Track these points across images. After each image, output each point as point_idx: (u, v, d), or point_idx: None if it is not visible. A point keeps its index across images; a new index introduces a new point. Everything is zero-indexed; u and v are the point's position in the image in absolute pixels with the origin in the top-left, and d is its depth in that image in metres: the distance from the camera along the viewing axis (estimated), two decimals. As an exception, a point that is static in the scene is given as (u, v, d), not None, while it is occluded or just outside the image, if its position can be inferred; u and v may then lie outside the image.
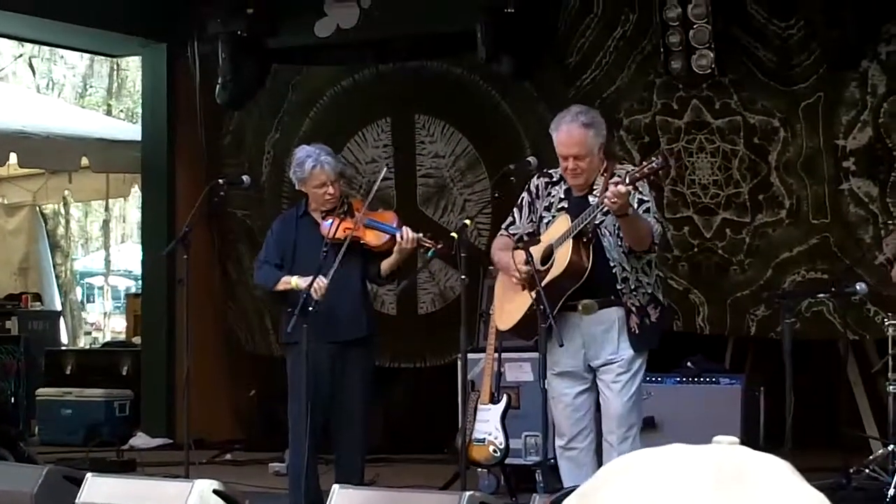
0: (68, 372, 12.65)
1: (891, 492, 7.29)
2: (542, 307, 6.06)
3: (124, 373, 12.46)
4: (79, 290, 26.59)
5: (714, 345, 9.61)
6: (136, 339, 13.14)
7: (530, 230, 6.55)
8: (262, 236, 7.89)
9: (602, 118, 6.55)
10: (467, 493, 5.37)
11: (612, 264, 6.31)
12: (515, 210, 6.65)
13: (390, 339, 10.28)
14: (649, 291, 6.39)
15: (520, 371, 8.41)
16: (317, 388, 7.07)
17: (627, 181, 5.97)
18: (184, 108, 11.79)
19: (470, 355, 7.90)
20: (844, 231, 9.05)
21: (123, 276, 27.39)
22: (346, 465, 7.30)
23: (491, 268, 7.60)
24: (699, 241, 9.54)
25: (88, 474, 6.29)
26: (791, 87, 9.11)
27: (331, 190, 7.24)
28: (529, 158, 6.82)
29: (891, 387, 7.81)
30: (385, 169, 9.09)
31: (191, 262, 7.86)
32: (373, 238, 7.21)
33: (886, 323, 7.94)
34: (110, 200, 17.74)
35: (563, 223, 6.34)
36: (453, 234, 6.54)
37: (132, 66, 22.62)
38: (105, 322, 24.19)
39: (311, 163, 7.21)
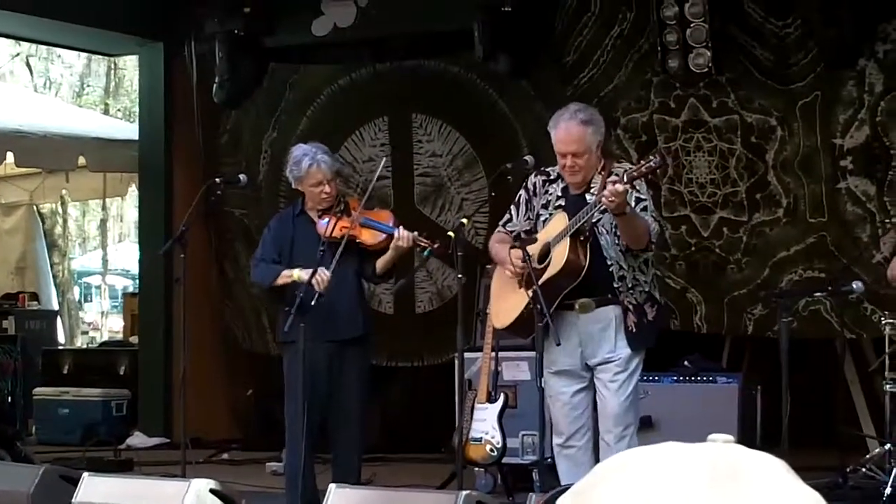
0: (65, 371, 12.64)
1: (887, 490, 7.29)
2: (538, 306, 6.06)
3: (121, 372, 12.45)
4: (76, 290, 26.60)
5: (711, 344, 9.61)
6: (134, 339, 13.14)
7: (527, 228, 6.55)
8: (259, 235, 7.89)
9: (600, 116, 6.56)
10: (464, 493, 5.37)
11: (609, 263, 6.30)
12: (513, 207, 6.65)
13: (388, 338, 10.28)
14: (646, 290, 6.39)
15: (517, 370, 8.41)
16: (313, 387, 7.07)
17: (625, 180, 5.97)
18: (181, 108, 11.78)
19: (467, 354, 7.90)
20: (842, 230, 9.05)
21: (121, 276, 27.39)
22: (343, 465, 7.30)
23: (488, 266, 7.60)
24: (696, 240, 9.54)
25: (85, 474, 6.28)
26: (788, 85, 9.11)
27: (327, 189, 7.23)
28: (526, 157, 6.81)
29: (888, 385, 7.81)
30: (384, 159, 9.06)
31: (188, 261, 7.86)
32: (369, 237, 7.21)
33: (883, 322, 7.94)
34: (107, 200, 17.74)
35: (560, 221, 6.33)
36: (450, 233, 6.54)
37: (129, 66, 22.63)
38: (102, 321, 24.23)
39: (307, 161, 7.21)
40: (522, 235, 6.51)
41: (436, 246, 6.98)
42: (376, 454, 9.47)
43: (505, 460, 8.07)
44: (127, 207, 25.23)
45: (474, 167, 10.67)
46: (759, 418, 8.63)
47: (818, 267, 9.12)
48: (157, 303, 11.81)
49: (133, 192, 14.76)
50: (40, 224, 17.01)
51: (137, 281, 14.34)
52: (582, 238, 6.24)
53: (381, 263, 7.24)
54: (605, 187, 6.03)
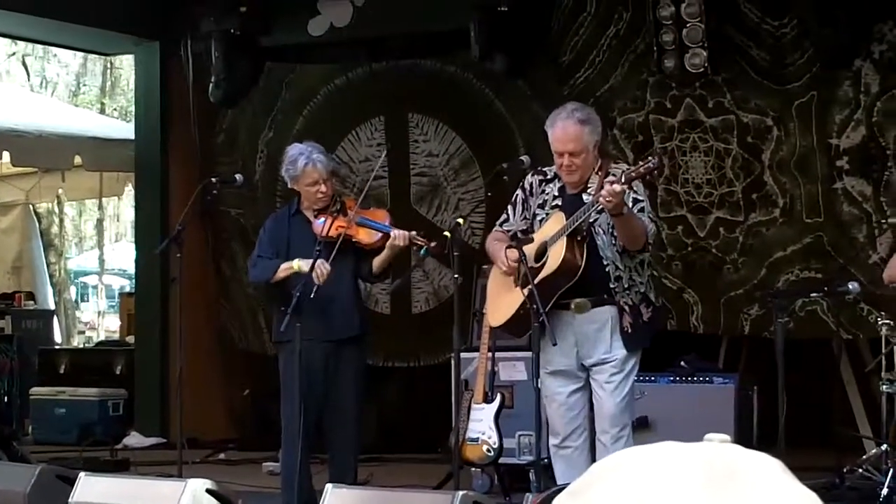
0: (62, 371, 12.64)
1: (884, 491, 7.29)
2: (534, 306, 6.06)
3: (118, 372, 12.44)
4: (73, 289, 26.58)
5: (708, 344, 9.61)
6: (130, 339, 13.13)
7: (524, 227, 6.55)
8: (255, 235, 7.89)
9: (597, 115, 6.57)
10: (460, 493, 5.37)
11: (605, 263, 6.31)
12: (509, 207, 6.65)
13: (384, 338, 10.29)
14: (642, 291, 6.39)
15: (513, 370, 8.40)
16: (310, 387, 7.07)
17: (623, 180, 5.98)
18: (177, 107, 11.78)
19: (464, 354, 7.91)
20: (838, 230, 9.05)
21: (117, 275, 27.37)
22: (339, 465, 7.30)
23: (484, 266, 7.60)
24: (693, 241, 9.54)
25: (81, 473, 6.28)
26: (784, 85, 9.11)
27: (323, 188, 7.23)
28: (522, 157, 6.82)
29: (884, 386, 7.80)
30: (382, 157, 9.04)
31: (184, 261, 7.86)
32: (365, 236, 7.21)
33: (880, 322, 7.93)
34: (104, 199, 17.75)
35: (557, 221, 6.34)
36: (446, 233, 6.55)
37: (126, 65, 22.62)
38: (99, 321, 24.22)
39: (303, 161, 7.21)
40: (519, 235, 6.51)
41: (432, 245, 6.97)
42: (373, 454, 9.47)
43: (501, 460, 8.07)
44: (123, 207, 25.22)
45: (471, 167, 10.67)
46: (756, 418, 8.63)
47: (815, 267, 9.12)
48: (153, 302, 11.81)
49: (129, 191, 14.76)
50: (36, 223, 17.00)
51: (134, 280, 14.33)
52: (579, 238, 6.24)
53: (377, 263, 7.24)
54: (602, 187, 6.04)
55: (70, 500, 6.08)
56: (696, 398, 8.40)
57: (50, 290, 17.10)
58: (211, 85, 10.81)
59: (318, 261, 6.96)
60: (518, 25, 9.60)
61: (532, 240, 6.39)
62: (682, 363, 8.69)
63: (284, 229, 7.40)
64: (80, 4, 11.25)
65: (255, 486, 8.39)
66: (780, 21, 9.04)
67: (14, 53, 24.93)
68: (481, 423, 7.99)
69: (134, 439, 11.47)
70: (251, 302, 11.42)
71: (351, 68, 11.20)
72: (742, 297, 9.37)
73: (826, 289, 8.34)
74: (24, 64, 25.52)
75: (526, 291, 6.17)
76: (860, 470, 7.79)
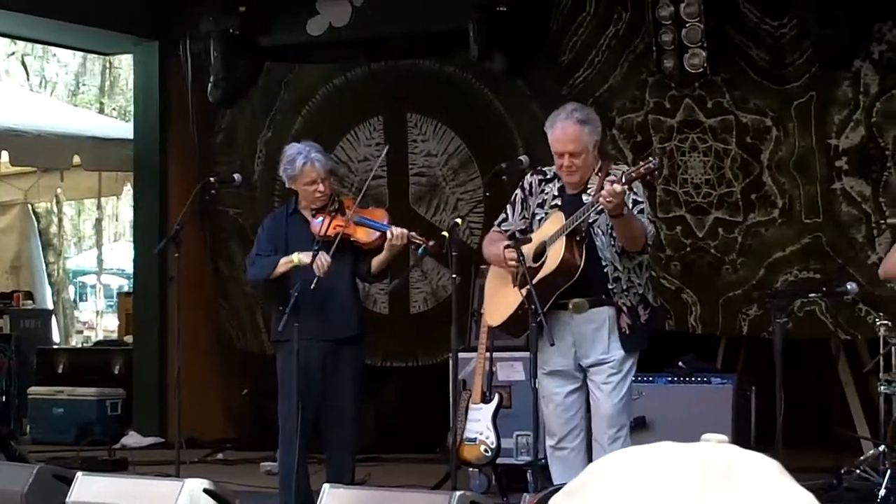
0: (60, 371, 12.63)
1: (881, 492, 7.29)
2: (532, 306, 6.06)
3: (116, 372, 12.43)
4: (71, 289, 26.56)
5: (706, 344, 9.61)
6: (129, 338, 13.13)
7: (522, 227, 6.54)
8: (253, 234, 7.88)
9: (597, 115, 6.56)
10: (458, 493, 5.36)
11: (604, 263, 6.30)
12: (508, 207, 6.65)
13: (382, 337, 10.28)
14: (640, 292, 6.39)
15: (511, 370, 8.40)
16: (307, 386, 7.07)
17: (623, 181, 5.97)
18: (176, 107, 11.77)
19: (462, 354, 7.91)
20: (837, 230, 9.05)
21: (116, 275, 27.36)
22: (336, 465, 7.30)
23: (483, 266, 7.59)
24: (691, 241, 9.53)
25: (79, 473, 6.27)
26: (783, 86, 9.11)
27: (321, 187, 7.23)
28: (521, 157, 6.82)
29: (882, 387, 7.81)
30: (382, 156, 9.02)
31: (182, 261, 7.86)
32: (363, 235, 7.20)
33: (878, 323, 7.94)
34: (103, 199, 17.73)
35: (556, 221, 6.33)
36: (445, 233, 6.54)
37: (125, 65, 22.61)
38: (98, 321, 24.21)
39: (301, 160, 7.20)
40: (517, 235, 6.51)
41: (430, 244, 6.96)
42: (371, 454, 9.48)
43: (499, 461, 8.06)
44: (122, 207, 25.22)
45: (469, 167, 10.67)
46: (754, 419, 8.63)
47: (813, 267, 9.12)
48: (151, 302, 11.80)
49: (128, 191, 14.76)
50: (35, 223, 16.99)
51: (132, 280, 14.32)
52: (578, 238, 6.24)
53: (375, 263, 7.24)
54: (602, 188, 6.03)
55: (67, 499, 6.07)
56: (693, 398, 8.40)
57: (48, 290, 17.09)
58: (210, 85, 10.80)
59: (320, 252, 6.96)
60: (517, 25, 9.59)
61: (530, 240, 6.39)
62: (680, 363, 8.69)
63: (282, 228, 7.39)
64: (80, 4, 11.24)
65: (253, 485, 8.38)
66: (780, 21, 9.04)
67: (13, 53, 24.92)
68: (479, 424, 7.98)
69: (132, 439, 11.46)
70: (249, 301, 11.42)
71: (350, 68, 11.20)
72: (741, 298, 9.37)
73: (824, 289, 8.35)
74: (23, 63, 25.51)
75: (524, 291, 6.16)
76: (858, 471, 7.79)
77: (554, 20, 9.86)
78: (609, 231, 6.28)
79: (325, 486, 5.68)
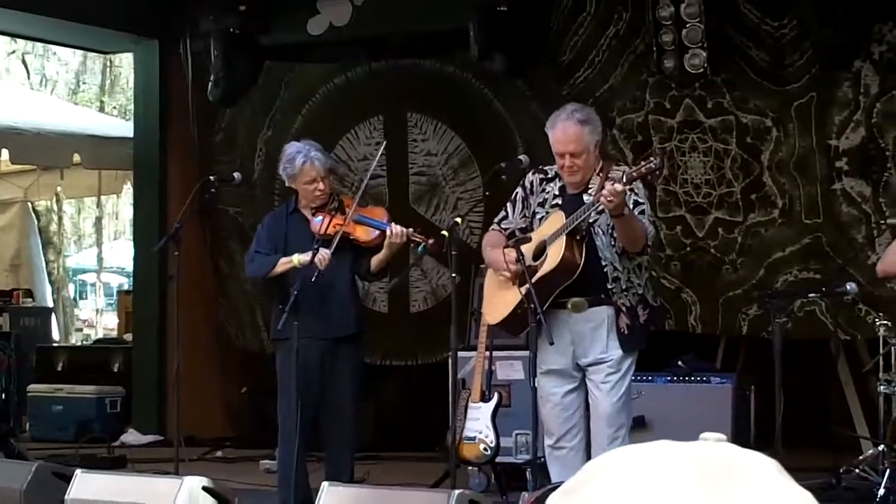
0: (59, 368, 12.64)
1: (880, 491, 7.29)
2: (532, 306, 6.06)
3: (116, 369, 12.43)
4: (71, 287, 26.55)
5: (706, 344, 9.61)
6: (128, 336, 13.13)
7: (523, 225, 6.55)
8: (253, 233, 7.88)
9: (597, 116, 6.57)
10: (457, 492, 5.36)
11: (603, 263, 6.31)
12: (509, 205, 6.65)
13: (382, 336, 10.29)
14: (640, 293, 6.39)
15: (511, 369, 8.40)
16: (306, 384, 7.07)
17: (624, 180, 5.98)
18: (176, 105, 11.77)
19: (461, 353, 7.91)
20: (837, 231, 9.05)
21: (116, 273, 27.35)
22: (335, 463, 7.30)
23: (482, 266, 7.60)
24: (691, 241, 9.53)
25: (77, 471, 6.26)
26: (784, 86, 9.11)
27: (321, 186, 7.23)
28: (521, 157, 6.82)
29: (881, 387, 7.81)
30: (380, 154, 9.02)
31: (182, 259, 7.87)
32: (362, 233, 7.21)
33: (878, 323, 7.94)
34: (103, 197, 17.72)
35: (556, 219, 6.34)
36: (444, 233, 6.54)
37: (125, 63, 22.61)
38: (97, 319, 24.18)
39: (301, 159, 7.21)
40: (517, 233, 6.51)
41: (430, 242, 6.96)
42: (370, 452, 9.48)
43: (498, 459, 8.07)
44: (122, 205, 25.20)
45: (469, 166, 10.67)
46: (753, 418, 8.63)
47: (813, 268, 9.12)
48: (151, 300, 11.81)
49: (128, 189, 14.75)
50: (35, 221, 16.98)
51: (132, 278, 14.31)
52: (578, 237, 6.24)
53: (375, 261, 7.24)
54: (603, 187, 6.03)
55: (66, 497, 6.07)
56: (693, 398, 8.40)
57: (48, 288, 17.08)
58: (210, 83, 10.80)
59: (320, 249, 6.96)
60: (517, 25, 9.59)
61: (529, 239, 6.40)
62: (680, 363, 8.69)
63: (282, 227, 7.39)
64: (80, 3, 11.24)
65: (252, 483, 8.39)
66: (780, 22, 9.04)
67: (14, 51, 24.90)
68: (478, 422, 7.99)
69: (131, 437, 11.46)
70: (249, 300, 11.42)
71: (350, 67, 11.19)
72: (740, 298, 9.37)
73: (824, 289, 8.35)
74: (23, 62, 25.50)
75: (524, 290, 6.17)
76: (857, 470, 7.80)
77: (554, 20, 9.86)
78: (609, 231, 6.28)
79: (324, 484, 5.67)
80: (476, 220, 9.96)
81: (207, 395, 11.45)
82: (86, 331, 23.92)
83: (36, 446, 10.58)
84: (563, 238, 6.23)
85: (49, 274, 18.73)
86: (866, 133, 8.91)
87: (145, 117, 12.18)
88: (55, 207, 22.01)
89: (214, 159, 11.61)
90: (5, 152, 12.71)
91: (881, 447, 7.72)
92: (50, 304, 16.48)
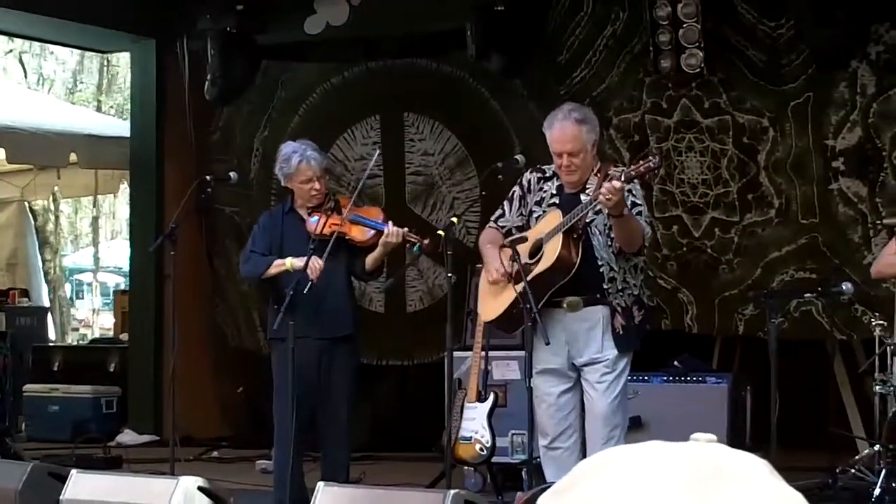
0: (56, 368, 12.64)
1: (876, 491, 7.28)
2: (527, 306, 6.06)
3: (112, 369, 12.42)
4: (68, 287, 26.54)
5: (702, 344, 9.61)
6: (125, 336, 13.11)
7: (519, 224, 6.55)
8: (249, 233, 7.88)
9: (594, 115, 6.57)
10: (452, 492, 5.35)
11: (599, 263, 6.31)
12: (506, 203, 6.65)
13: (378, 336, 10.28)
14: (635, 293, 6.40)
15: (507, 369, 8.40)
16: (302, 384, 7.06)
17: (623, 178, 5.98)
18: (173, 105, 11.76)
19: (457, 353, 7.91)
20: (833, 231, 9.05)
21: (113, 273, 27.35)
22: (331, 463, 7.30)
23: (479, 266, 7.59)
24: (688, 241, 9.53)
25: (73, 471, 6.25)
26: (780, 86, 9.12)
27: (317, 186, 7.23)
28: (517, 156, 6.83)
29: (877, 387, 7.80)
30: (377, 154, 9.01)
31: (178, 259, 7.86)
32: (358, 233, 7.20)
33: (874, 323, 7.94)
34: (99, 196, 17.70)
35: (553, 218, 6.34)
36: (440, 232, 6.54)
37: (122, 62, 22.60)
38: (94, 318, 24.19)
39: (297, 158, 7.21)
40: (514, 232, 6.51)
41: (425, 242, 6.96)
42: (366, 452, 9.48)
43: (494, 459, 8.07)
44: (119, 204, 25.20)
45: (466, 166, 10.67)
46: (749, 419, 8.63)
47: (810, 268, 9.12)
48: (147, 300, 11.80)
49: (125, 189, 14.74)
50: (32, 220, 16.97)
51: (128, 278, 14.31)
52: (575, 235, 6.25)
53: (369, 260, 7.23)
54: (601, 187, 6.03)
55: (61, 497, 6.06)
56: (689, 398, 8.39)
57: (45, 288, 17.08)
58: (207, 83, 10.78)
59: (312, 257, 6.97)
60: (514, 25, 9.59)
61: (525, 239, 6.40)
62: (676, 363, 8.69)
63: (278, 227, 7.39)
64: (77, 2, 11.23)
65: (248, 483, 8.38)
66: (777, 22, 9.04)
67: (11, 51, 24.91)
68: (474, 422, 7.98)
69: (127, 437, 11.45)
70: (245, 300, 11.41)
71: (347, 67, 11.19)
72: (737, 298, 9.37)
73: (820, 289, 8.34)
74: (20, 61, 25.50)
75: (519, 288, 6.17)
76: (853, 470, 7.79)
77: (551, 20, 9.86)
78: (606, 231, 6.28)
79: (320, 484, 5.66)
80: (472, 219, 9.96)
81: (203, 396, 11.44)
82: (82, 330, 23.93)
83: (32, 446, 10.58)
84: (560, 236, 6.23)
85: (45, 273, 18.73)
86: (863, 133, 8.91)
87: (142, 117, 12.17)
88: (52, 207, 22.02)
89: (211, 159, 11.61)
90: (2, 151, 12.70)
91: (877, 447, 7.72)
92: (46, 303, 16.47)
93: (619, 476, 1.73)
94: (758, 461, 1.77)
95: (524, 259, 6.29)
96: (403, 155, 10.90)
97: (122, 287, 19.54)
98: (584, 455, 6.42)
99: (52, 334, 16.15)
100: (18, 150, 12.69)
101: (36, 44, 22.76)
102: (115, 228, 28.29)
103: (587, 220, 6.27)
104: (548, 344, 6.11)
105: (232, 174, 8.34)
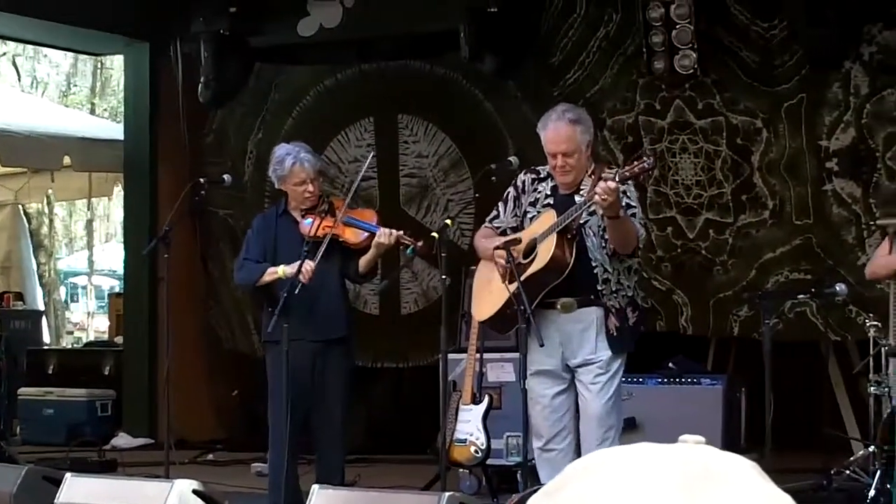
0: (50, 371, 12.62)
1: (871, 493, 7.29)
2: (521, 307, 6.06)
3: (106, 372, 12.41)
4: (62, 290, 26.53)
5: (696, 345, 9.61)
6: (119, 339, 13.10)
7: (514, 225, 6.56)
8: (244, 235, 7.88)
9: (588, 116, 6.58)
10: (447, 494, 5.36)
11: (593, 264, 6.31)
12: (500, 204, 6.66)
13: (373, 338, 10.28)
14: (629, 295, 6.40)
15: (501, 371, 8.39)
16: (297, 387, 7.05)
17: (617, 179, 5.98)
18: (166, 107, 11.75)
19: (452, 355, 7.91)
20: (828, 232, 9.06)
21: (107, 276, 27.30)
22: (326, 465, 7.29)
23: (473, 267, 7.59)
24: (682, 242, 9.54)
25: (67, 474, 6.26)
26: (774, 87, 9.12)
27: (310, 188, 7.23)
28: (511, 158, 6.84)
29: (872, 388, 7.80)
30: (371, 157, 9.01)
31: (172, 262, 7.86)
32: (351, 235, 7.20)
33: (868, 324, 7.94)
34: (93, 199, 17.70)
35: (548, 218, 6.35)
36: (434, 234, 6.54)
37: (116, 65, 22.59)
38: (89, 322, 24.15)
39: (290, 160, 7.20)
40: (508, 233, 6.52)
41: (419, 244, 6.97)
42: (361, 455, 9.47)
43: (489, 462, 8.06)
44: (113, 207, 25.17)
45: (460, 168, 10.67)
46: (744, 420, 8.62)
47: (804, 269, 9.13)
48: (141, 303, 11.79)
49: (119, 192, 14.73)
50: (26, 224, 16.98)
51: (123, 281, 14.30)
52: (569, 236, 6.25)
53: (363, 262, 7.23)
54: (596, 186, 6.04)
55: (56, 500, 6.06)
56: (684, 400, 8.39)
57: (39, 291, 17.09)
58: (200, 85, 10.78)
59: (305, 261, 6.97)
60: (508, 27, 9.60)
61: (519, 240, 6.40)
62: (671, 364, 8.69)
63: (272, 229, 7.39)
64: (71, 5, 11.22)
65: (243, 486, 8.37)
66: (770, 23, 9.05)
67: (4, 53, 24.90)
68: (469, 425, 7.98)
69: (122, 440, 11.44)
70: (239, 303, 11.40)
71: (340, 69, 11.19)
72: (731, 299, 9.38)
73: (814, 290, 8.34)
74: (14, 64, 25.50)
75: (512, 287, 6.17)
76: (848, 471, 7.79)
77: (544, 22, 9.87)
78: (601, 233, 6.29)
79: (315, 486, 5.68)
80: (467, 221, 9.96)
81: (198, 398, 11.44)
82: (77, 334, 23.90)
83: (26, 450, 10.56)
84: (554, 236, 6.23)
85: (40, 277, 18.73)
86: (856, 134, 8.92)
87: (136, 119, 12.16)
88: (46, 210, 22.02)
89: (205, 161, 11.60)
90: (-5, 155, 12.69)
91: (872, 448, 7.72)
92: (41, 306, 16.48)
93: (609, 477, 1.73)
94: (746, 463, 1.77)
95: (518, 258, 6.29)
96: (397, 157, 10.90)
97: (117, 290, 19.52)
98: (578, 457, 6.41)
99: (46, 337, 16.15)
100: (12, 153, 12.69)
101: (29, 47, 22.78)
102: (110, 231, 28.26)
103: (581, 222, 6.27)
104: (542, 345, 6.11)
105: (226, 177, 8.33)
